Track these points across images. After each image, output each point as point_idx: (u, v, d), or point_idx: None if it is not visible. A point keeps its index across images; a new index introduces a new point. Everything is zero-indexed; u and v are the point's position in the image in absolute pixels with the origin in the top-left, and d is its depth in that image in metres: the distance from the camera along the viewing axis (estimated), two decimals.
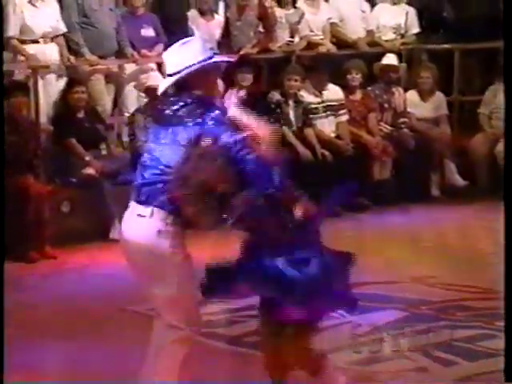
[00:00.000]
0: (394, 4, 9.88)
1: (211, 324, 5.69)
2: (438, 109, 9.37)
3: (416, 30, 9.90)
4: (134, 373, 4.82)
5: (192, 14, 9.11)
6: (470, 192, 8.97)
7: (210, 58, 4.05)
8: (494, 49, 9.69)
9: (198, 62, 3.96)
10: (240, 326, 5.63)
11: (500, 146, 9.05)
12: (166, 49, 8.75)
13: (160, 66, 8.75)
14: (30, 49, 8.22)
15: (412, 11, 9.88)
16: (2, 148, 5.85)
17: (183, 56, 4.00)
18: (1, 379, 3.83)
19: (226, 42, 9.19)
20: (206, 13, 9.12)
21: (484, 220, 8.08)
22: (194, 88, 3.98)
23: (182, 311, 3.94)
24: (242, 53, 9.02)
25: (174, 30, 8.83)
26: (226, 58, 4.31)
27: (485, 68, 9.90)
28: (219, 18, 9.27)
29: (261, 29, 9.27)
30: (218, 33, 9.15)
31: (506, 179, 3.80)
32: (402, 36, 9.89)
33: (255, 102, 8.58)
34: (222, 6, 9.35)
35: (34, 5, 8.27)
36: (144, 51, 8.72)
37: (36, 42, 8.28)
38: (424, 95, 9.35)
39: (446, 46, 9.66)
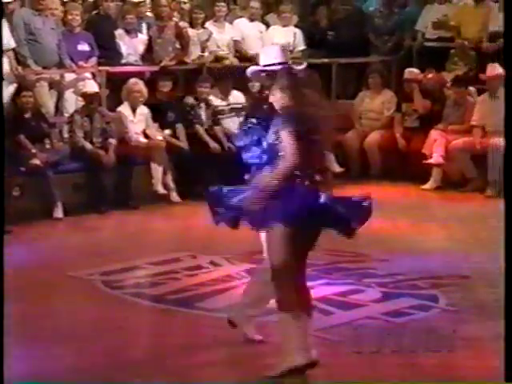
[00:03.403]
0: (285, 26, 9.95)
1: (138, 285, 5.71)
2: None
3: (302, 47, 9.98)
4: (74, 324, 4.84)
5: (119, 32, 9.04)
6: (345, 176, 9.13)
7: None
8: (362, 63, 9.90)
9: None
10: (163, 286, 5.64)
11: (369, 139, 9.26)
12: (98, 61, 8.82)
13: (94, 75, 8.67)
14: None
15: (299, 32, 9.95)
16: (2, 146, 5.69)
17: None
18: (1, 379, 3.52)
19: (148, 55, 9.15)
20: (131, 32, 9.07)
21: None
22: None
23: None
24: (162, 65, 8.98)
25: (105, 46, 8.83)
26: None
27: (355, 78, 10.08)
28: (142, 36, 9.22)
29: (177, 45, 9.23)
30: (141, 48, 9.12)
31: (507, 179, 3.52)
32: (291, 52, 9.93)
33: (173, 105, 8.61)
34: (144, 26, 9.30)
35: None
36: (80, 63, 8.59)
37: None
38: None
39: (325, 60, 9.78)
